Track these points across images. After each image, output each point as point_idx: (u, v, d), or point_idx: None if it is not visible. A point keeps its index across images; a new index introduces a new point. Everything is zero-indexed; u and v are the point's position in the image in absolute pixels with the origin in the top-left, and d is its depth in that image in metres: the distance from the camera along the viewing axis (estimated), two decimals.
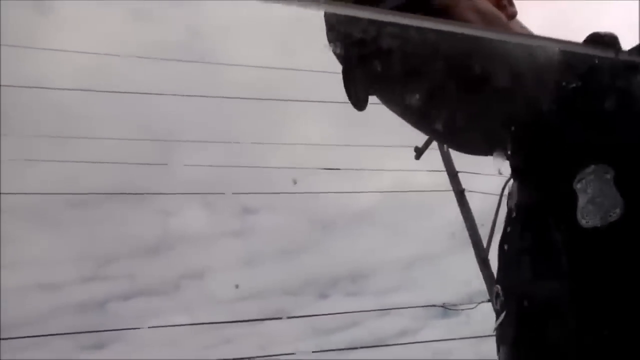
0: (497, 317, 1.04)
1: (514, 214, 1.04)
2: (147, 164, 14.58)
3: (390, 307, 13.94)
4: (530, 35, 0.69)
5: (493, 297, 1.06)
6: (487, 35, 0.62)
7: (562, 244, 0.88)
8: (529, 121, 0.93)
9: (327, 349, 12.25)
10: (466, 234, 12.05)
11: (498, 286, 1.05)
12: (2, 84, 10.77)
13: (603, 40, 0.95)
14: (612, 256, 0.82)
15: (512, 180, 1.09)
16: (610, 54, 0.83)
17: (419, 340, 12.77)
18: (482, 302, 11.86)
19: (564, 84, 0.91)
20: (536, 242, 0.93)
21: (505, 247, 1.05)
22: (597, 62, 0.87)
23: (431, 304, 12.77)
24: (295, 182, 12.87)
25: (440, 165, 12.74)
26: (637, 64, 0.86)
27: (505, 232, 1.06)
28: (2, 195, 10.78)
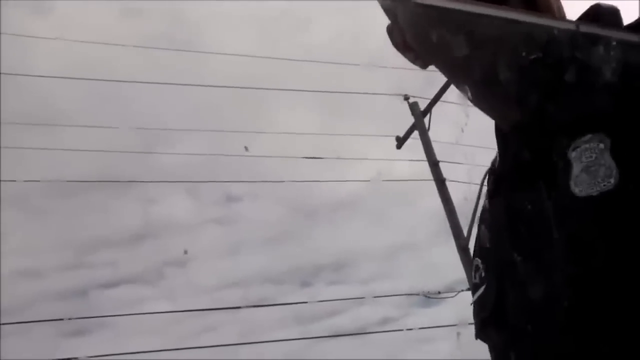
0: (476, 291, 1.04)
1: (499, 184, 1.04)
2: (131, 152, 14.56)
3: (371, 296, 13.97)
4: (495, 8, 0.74)
5: (472, 271, 1.06)
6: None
7: (553, 213, 0.87)
8: (525, 86, 0.94)
9: (309, 336, 12.30)
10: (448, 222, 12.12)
11: (478, 259, 1.05)
12: None
13: (604, 12, 0.95)
14: (605, 225, 0.82)
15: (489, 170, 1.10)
16: (571, 26, 0.84)
17: (401, 328, 12.83)
18: (463, 290, 11.94)
19: (564, 54, 0.89)
20: (524, 211, 0.93)
21: (488, 218, 1.05)
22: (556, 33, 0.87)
23: (412, 293, 12.86)
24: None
25: (422, 155, 12.79)
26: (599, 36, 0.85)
27: (489, 203, 1.06)
28: None
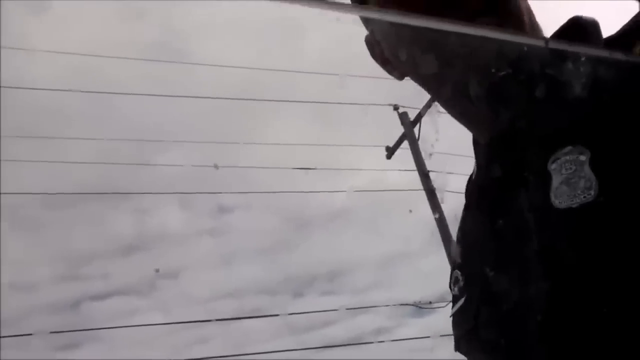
0: (455, 302, 1.03)
1: (475, 196, 1.04)
2: (124, 163, 14.55)
3: (363, 306, 13.98)
4: (464, 24, 0.75)
5: (451, 283, 1.05)
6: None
7: (533, 225, 0.87)
8: (503, 100, 0.94)
9: (303, 347, 12.28)
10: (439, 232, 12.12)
11: (458, 271, 1.04)
12: None
13: (583, 24, 0.94)
14: (585, 237, 0.82)
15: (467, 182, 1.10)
16: (540, 42, 0.85)
17: (394, 339, 12.83)
18: None
19: (536, 70, 0.89)
20: (501, 224, 0.93)
21: (467, 230, 1.05)
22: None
23: (403, 303, 12.86)
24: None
25: (413, 165, 12.81)
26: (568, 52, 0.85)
27: (467, 215, 1.06)
28: None
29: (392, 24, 0.98)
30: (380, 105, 13.37)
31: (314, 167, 13.39)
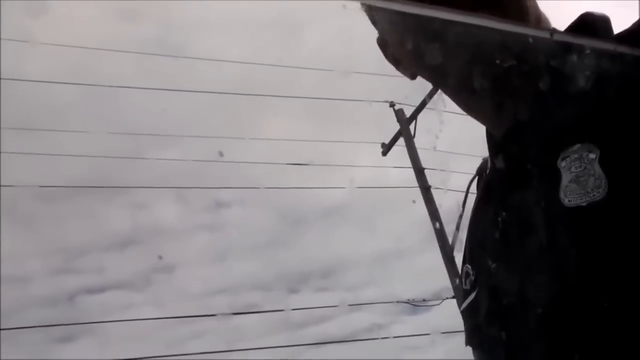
0: (466, 297, 1.04)
1: (488, 190, 1.05)
2: (121, 157, 14.52)
3: (356, 303, 13.99)
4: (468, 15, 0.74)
5: (462, 277, 1.06)
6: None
7: (542, 222, 0.87)
8: (513, 96, 0.94)
9: (298, 343, 12.30)
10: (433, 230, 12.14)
11: (468, 265, 1.04)
12: None
13: (595, 21, 0.94)
14: (594, 235, 0.82)
15: (477, 176, 1.11)
16: (545, 34, 0.84)
17: (389, 336, 12.86)
18: (447, 298, 11.98)
19: (555, 63, 0.89)
20: (511, 219, 0.93)
21: (478, 224, 1.05)
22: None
23: (397, 300, 12.87)
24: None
25: (409, 162, 12.82)
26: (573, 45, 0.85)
27: (477, 209, 1.06)
28: None
29: (398, 15, 0.96)
30: (377, 102, 13.37)
31: (309, 163, 13.39)
